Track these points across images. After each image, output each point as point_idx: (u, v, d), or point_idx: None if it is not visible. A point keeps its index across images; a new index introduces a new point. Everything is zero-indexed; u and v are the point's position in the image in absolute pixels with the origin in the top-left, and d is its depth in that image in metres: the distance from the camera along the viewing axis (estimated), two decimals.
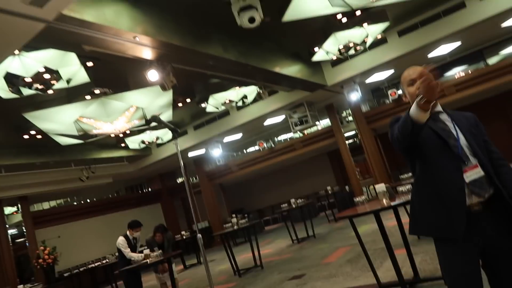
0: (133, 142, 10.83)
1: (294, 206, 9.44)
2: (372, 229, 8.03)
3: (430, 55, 10.81)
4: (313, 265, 6.28)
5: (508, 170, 1.83)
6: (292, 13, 6.34)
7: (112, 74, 7.60)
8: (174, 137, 3.74)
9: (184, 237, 11.46)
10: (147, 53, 5.99)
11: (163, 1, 5.74)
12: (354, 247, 6.75)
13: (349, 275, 5.02)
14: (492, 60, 12.02)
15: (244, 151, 17.21)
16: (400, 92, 11.97)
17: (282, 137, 15.97)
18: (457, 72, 12.53)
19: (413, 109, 1.69)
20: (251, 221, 8.01)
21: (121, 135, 9.62)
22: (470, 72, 11.67)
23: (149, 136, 10.61)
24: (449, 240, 1.78)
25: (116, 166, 14.35)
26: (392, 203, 3.48)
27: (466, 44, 10.84)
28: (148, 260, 5.39)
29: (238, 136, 14.33)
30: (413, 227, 1.95)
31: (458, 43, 10.43)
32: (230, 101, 10.07)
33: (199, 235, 3.68)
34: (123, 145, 11.99)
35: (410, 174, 6.60)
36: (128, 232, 6.13)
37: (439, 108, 1.96)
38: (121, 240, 6.04)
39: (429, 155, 1.85)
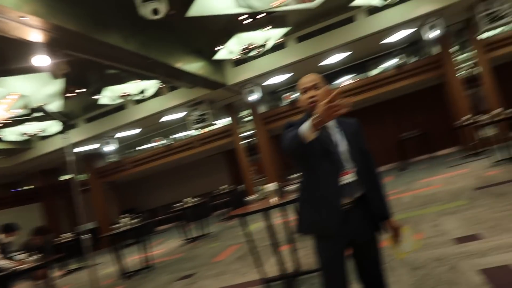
0: (12, 134, 9.67)
1: (188, 205, 9.40)
2: (262, 227, 8.40)
3: (324, 63, 11.70)
4: (204, 264, 6.33)
5: (374, 178, 2.10)
6: (197, 9, 6.33)
7: None
8: (65, 131, 3.46)
9: (67, 239, 10.53)
10: (36, 36, 5.40)
11: None
12: (245, 244, 6.99)
13: (237, 272, 5.19)
14: (373, 72, 13.49)
15: (141, 147, 16.59)
16: (295, 95, 12.80)
17: (180, 134, 15.77)
18: (345, 80, 13.80)
19: (305, 127, 1.79)
20: (143, 220, 7.74)
21: None
22: (354, 81, 12.93)
23: (32, 127, 9.59)
24: (325, 236, 2.03)
25: None
26: (280, 202, 3.72)
27: (354, 55, 11.96)
28: (19, 267, 4.81)
29: (134, 131, 13.76)
30: (299, 227, 2.13)
31: (347, 53, 11.45)
32: (128, 94, 9.62)
33: (85, 236, 3.44)
34: None
35: (297, 174, 7.07)
36: (2, 236, 5.48)
37: None
38: None
39: (312, 161, 2.02)
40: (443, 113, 14.39)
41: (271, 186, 3.94)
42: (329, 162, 2.00)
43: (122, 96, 9.67)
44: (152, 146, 14.58)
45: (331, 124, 2.08)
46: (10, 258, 5.39)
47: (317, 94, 2.01)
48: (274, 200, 3.81)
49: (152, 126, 13.85)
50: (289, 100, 12.83)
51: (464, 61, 11.93)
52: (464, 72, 11.77)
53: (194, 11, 6.32)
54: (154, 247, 9.72)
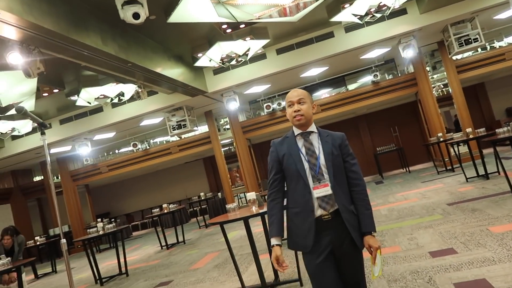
0: None
1: (165, 211, 9.26)
2: (240, 235, 8.35)
3: (303, 75, 11.85)
4: (181, 271, 6.24)
5: (359, 190, 2.11)
6: (178, 15, 6.29)
7: None
8: (41, 132, 3.36)
9: (37, 242, 10.21)
10: (10, 33, 5.23)
11: None
12: (222, 252, 6.93)
13: (216, 280, 5.13)
14: (352, 86, 13.75)
15: (117, 151, 16.28)
16: (274, 106, 12.87)
17: (159, 139, 15.56)
18: (323, 93, 14.01)
19: (271, 236, 2.16)
20: (119, 225, 7.56)
21: None
22: (333, 95, 13.14)
23: (2, 126, 9.26)
24: (304, 252, 2.11)
25: None
26: (260, 211, 3.71)
27: (332, 69, 12.16)
28: None
29: (110, 134, 13.48)
30: (288, 243, 2.20)
31: (326, 68, 11.65)
32: (105, 96, 9.44)
33: (63, 240, 3.34)
34: None
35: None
36: None
37: (313, 128, 2.18)
38: None
39: (292, 177, 2.12)
40: (418, 129, 14.84)
41: (251, 195, 3.93)
42: (306, 175, 2.07)
43: (99, 99, 9.48)
44: (131, 150, 14.28)
45: (314, 137, 2.16)
46: None
47: (301, 109, 2.14)
48: (255, 209, 3.79)
49: (130, 130, 13.62)
50: (269, 110, 12.89)
51: (437, 80, 12.33)
52: (437, 90, 12.15)
53: (175, 17, 6.29)
54: (130, 253, 9.50)
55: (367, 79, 13.14)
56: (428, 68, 12.35)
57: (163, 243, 9.33)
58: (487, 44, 12.14)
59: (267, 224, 2.18)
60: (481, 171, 8.18)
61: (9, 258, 4.85)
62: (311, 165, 2.07)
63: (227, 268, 5.67)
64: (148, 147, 14.20)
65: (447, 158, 11.19)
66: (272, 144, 2.24)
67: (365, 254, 2.06)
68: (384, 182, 11.83)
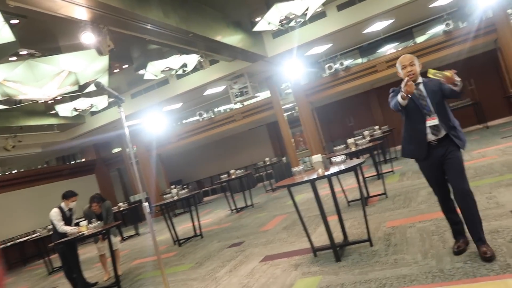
0: (64, 110, 10.18)
1: (233, 176, 9.58)
2: (307, 198, 8.43)
3: (366, 31, 11.25)
4: (252, 233, 6.49)
5: (452, 120, 3.04)
6: None
7: (42, 34, 7.01)
8: (119, 106, 3.63)
9: (121, 208, 11.20)
10: (82, 14, 5.58)
11: None
12: (290, 215, 7.07)
13: (285, 241, 5.29)
14: (420, 39, 12.80)
15: (184, 121, 16.96)
16: (336, 66, 12.46)
17: (222, 107, 15.91)
18: (389, 48, 13.22)
19: (399, 97, 3.01)
20: (191, 191, 8.01)
21: (51, 101, 9.00)
22: (400, 49, 12.37)
23: (82, 103, 10.03)
24: (420, 160, 3.18)
25: (45, 134, 13.47)
26: (326, 173, 3.69)
27: (398, 22, 11.39)
28: (85, 232, 5.21)
29: (177, 105, 14.04)
30: (402, 152, 3.30)
31: (391, 20, 10.93)
32: (170, 69, 9.77)
33: (146, 203, 3.68)
34: (53, 112, 11.24)
35: (343, 146, 7.00)
36: (63, 204, 5.88)
37: (420, 80, 3.14)
38: (54, 212, 5.79)
39: (409, 111, 3.10)
40: (496, 81, 13.54)
41: (317, 158, 3.92)
42: (420, 110, 3.05)
43: (164, 71, 9.84)
44: (197, 120, 14.82)
45: (421, 87, 3.10)
46: (75, 224, 5.81)
47: (413, 69, 3.08)
48: (322, 171, 3.79)
49: (195, 100, 14.07)
50: (331, 71, 12.50)
51: None
52: None
53: None
54: (202, 217, 10.06)
55: (438, 29, 12.14)
56: (509, 11, 11.07)
57: (233, 207, 9.72)
58: None
59: (394, 103, 3.14)
60: None
61: (99, 222, 5.39)
62: (422, 106, 3.05)
63: (296, 229, 5.79)
64: (213, 116, 14.59)
65: None
66: (392, 90, 3.29)
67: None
68: None
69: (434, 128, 2.99)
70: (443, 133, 2.99)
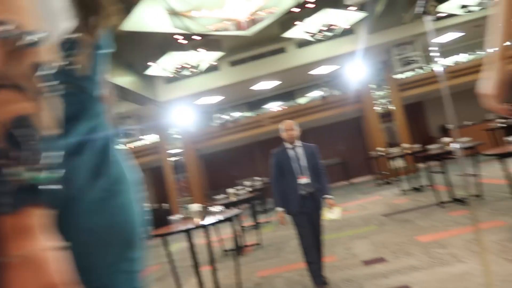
0: None
1: None
2: (185, 246, 8.27)
3: (254, 88, 12.11)
4: None
5: (322, 178, 3.73)
6: (131, 24, 6.28)
7: None
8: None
9: None
10: None
11: None
12: (164, 265, 6.84)
13: None
14: (301, 101, 14.22)
15: None
16: (225, 117, 13.00)
17: None
18: (274, 106, 14.34)
19: (277, 209, 3.74)
20: None
21: None
22: (283, 108, 13.52)
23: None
24: (293, 214, 3.67)
25: None
26: (201, 223, 3.79)
27: (284, 83, 12.55)
28: None
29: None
30: (275, 204, 3.76)
31: (278, 82, 12.00)
32: None
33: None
34: None
35: (223, 195, 7.21)
36: None
37: (298, 143, 3.77)
38: None
39: (285, 171, 3.69)
40: (360, 144, 15.55)
41: (194, 207, 3.99)
42: (294, 170, 3.66)
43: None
44: None
45: (298, 149, 3.72)
46: None
47: (293, 134, 3.74)
48: (198, 220, 3.87)
49: None
50: (220, 122, 12.98)
51: (380, 98, 13.09)
52: (380, 107, 12.90)
53: (128, 26, 6.27)
54: None
55: (317, 94, 13.66)
56: (373, 86, 13.06)
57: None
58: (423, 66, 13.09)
59: (273, 193, 3.81)
60: (418, 184, 8.76)
61: None
62: (295, 166, 3.66)
63: (168, 281, 5.61)
64: None
65: (387, 172, 11.84)
66: (273, 152, 3.82)
67: None
68: None
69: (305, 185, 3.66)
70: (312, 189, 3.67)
